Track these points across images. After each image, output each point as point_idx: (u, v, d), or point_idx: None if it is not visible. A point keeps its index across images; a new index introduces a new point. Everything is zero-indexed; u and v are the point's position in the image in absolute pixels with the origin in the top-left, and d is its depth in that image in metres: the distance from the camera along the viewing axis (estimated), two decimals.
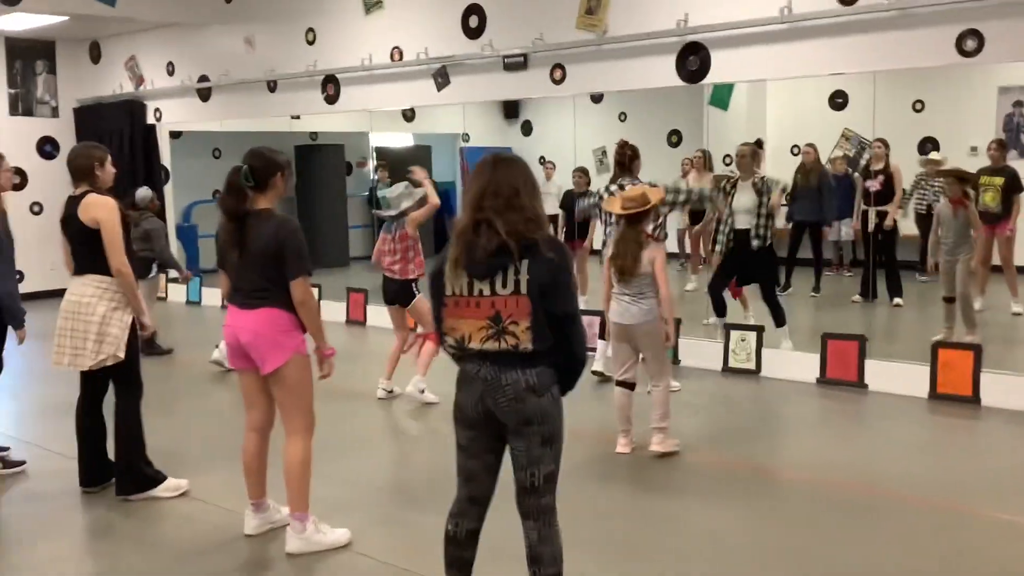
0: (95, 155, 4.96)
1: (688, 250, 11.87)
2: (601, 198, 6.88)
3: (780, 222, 9.83)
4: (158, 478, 5.01)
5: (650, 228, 5.76)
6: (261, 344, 4.16)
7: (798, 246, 10.54)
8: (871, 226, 9.40)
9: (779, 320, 7.87)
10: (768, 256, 7.97)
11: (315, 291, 4.11)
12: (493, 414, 3.17)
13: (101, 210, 4.78)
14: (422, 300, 6.81)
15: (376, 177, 12.70)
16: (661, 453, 5.55)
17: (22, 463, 5.59)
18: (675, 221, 11.53)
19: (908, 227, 9.95)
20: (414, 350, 7.01)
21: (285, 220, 4.22)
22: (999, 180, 8.92)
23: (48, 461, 5.69)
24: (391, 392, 7.14)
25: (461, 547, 3.34)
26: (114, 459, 5.00)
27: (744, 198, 7.88)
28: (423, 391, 6.83)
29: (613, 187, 6.87)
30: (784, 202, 8.02)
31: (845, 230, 11.21)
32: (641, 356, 5.69)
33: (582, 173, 10.07)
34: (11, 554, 4.45)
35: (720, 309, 8.20)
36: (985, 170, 9.07)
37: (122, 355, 4.83)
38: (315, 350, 4.32)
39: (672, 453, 5.59)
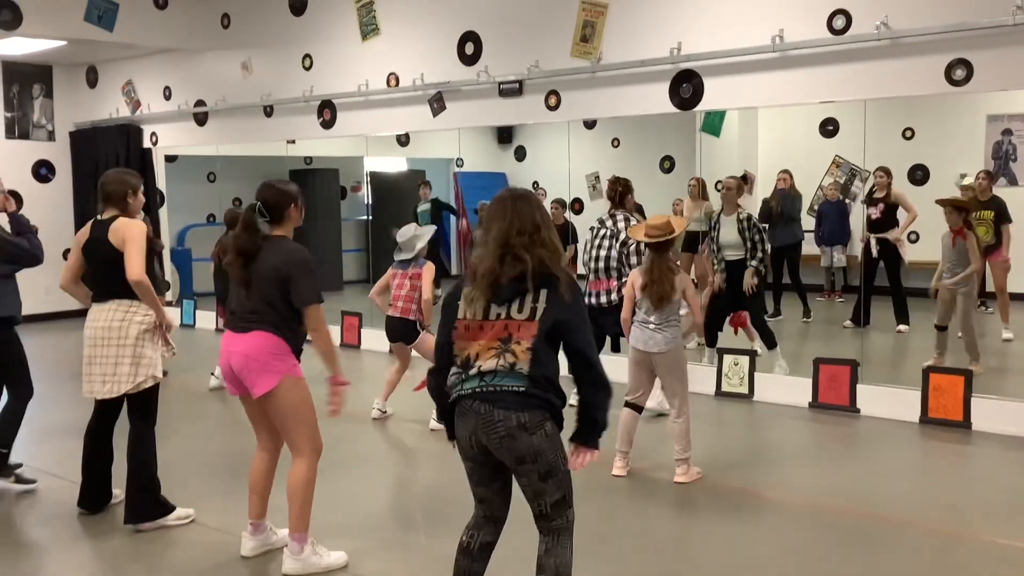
0: (130, 183, 4.96)
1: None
2: (604, 226, 6.98)
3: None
4: (168, 506, 4.97)
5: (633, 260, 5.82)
6: (252, 368, 4.15)
7: (781, 272, 10.62)
8: (874, 252, 9.49)
9: (770, 343, 7.95)
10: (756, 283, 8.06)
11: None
12: (487, 450, 3.23)
13: (131, 229, 4.78)
14: (427, 336, 6.79)
15: (420, 195, 12.94)
16: (685, 483, 5.54)
17: (34, 481, 5.60)
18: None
19: (910, 252, 10.01)
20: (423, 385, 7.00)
21: (296, 249, 4.23)
22: (989, 214, 9.07)
23: (49, 483, 5.69)
24: (384, 412, 7.18)
25: (472, 559, 3.40)
26: (127, 486, 4.92)
27: (728, 232, 8.01)
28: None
29: (608, 219, 6.99)
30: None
31: (837, 256, 11.30)
32: (660, 383, 5.72)
33: (559, 205, 10.25)
34: None
35: (712, 340, 8.27)
36: (975, 204, 9.16)
37: (160, 375, 4.86)
38: (328, 379, 4.30)
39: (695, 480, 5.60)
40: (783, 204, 10.53)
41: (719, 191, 9.18)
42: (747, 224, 7.96)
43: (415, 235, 6.87)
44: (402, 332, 6.89)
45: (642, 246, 6.42)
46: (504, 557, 3.60)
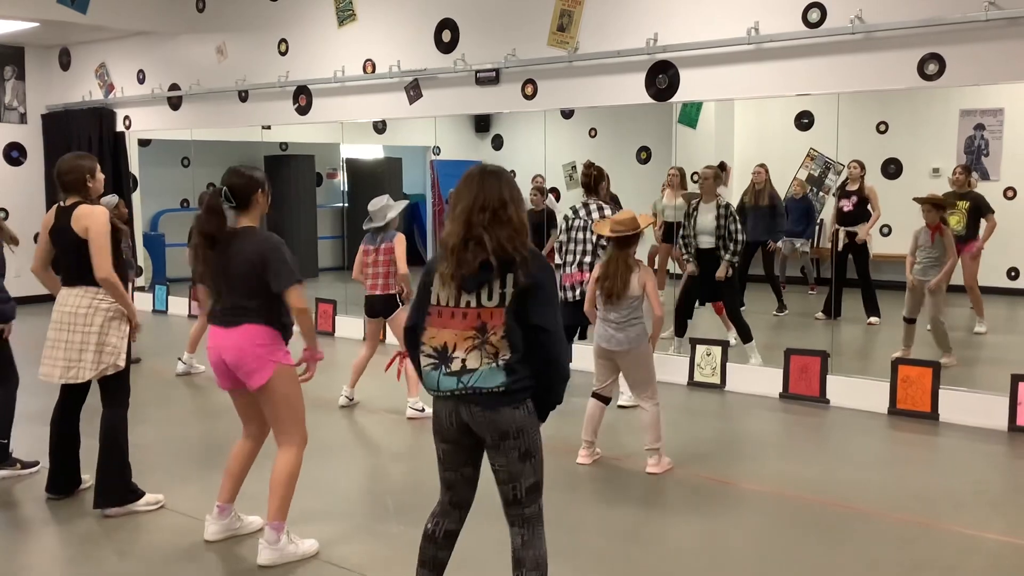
0: (86, 166, 4.91)
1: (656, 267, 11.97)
2: (578, 216, 6.94)
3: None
4: (138, 492, 4.94)
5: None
6: (247, 360, 4.14)
7: (748, 265, 10.67)
8: (840, 245, 9.56)
9: (745, 336, 8.01)
10: (729, 280, 8.15)
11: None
12: (469, 427, 3.21)
13: (90, 219, 4.74)
14: (404, 314, 6.81)
15: None
16: (658, 474, 5.56)
17: (36, 464, 5.58)
18: (648, 238, 11.64)
19: (881, 246, 10.08)
20: (394, 368, 6.93)
21: (267, 237, 4.21)
22: (964, 204, 9.14)
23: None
24: (351, 400, 7.18)
25: (438, 546, 3.41)
26: (98, 471, 4.89)
27: (706, 220, 8.11)
28: (423, 409, 6.76)
29: (580, 208, 6.97)
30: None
31: (800, 246, 11.36)
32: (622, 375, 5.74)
33: (538, 192, 10.25)
34: None
35: (682, 329, 8.33)
36: (950, 195, 9.25)
37: (122, 364, 4.81)
38: (305, 350, 4.32)
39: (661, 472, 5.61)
40: (768, 199, 10.55)
41: (695, 182, 9.24)
42: (724, 212, 8.03)
43: (386, 205, 6.84)
44: (381, 308, 6.89)
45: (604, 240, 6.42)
46: (469, 547, 3.61)
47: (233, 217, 4.19)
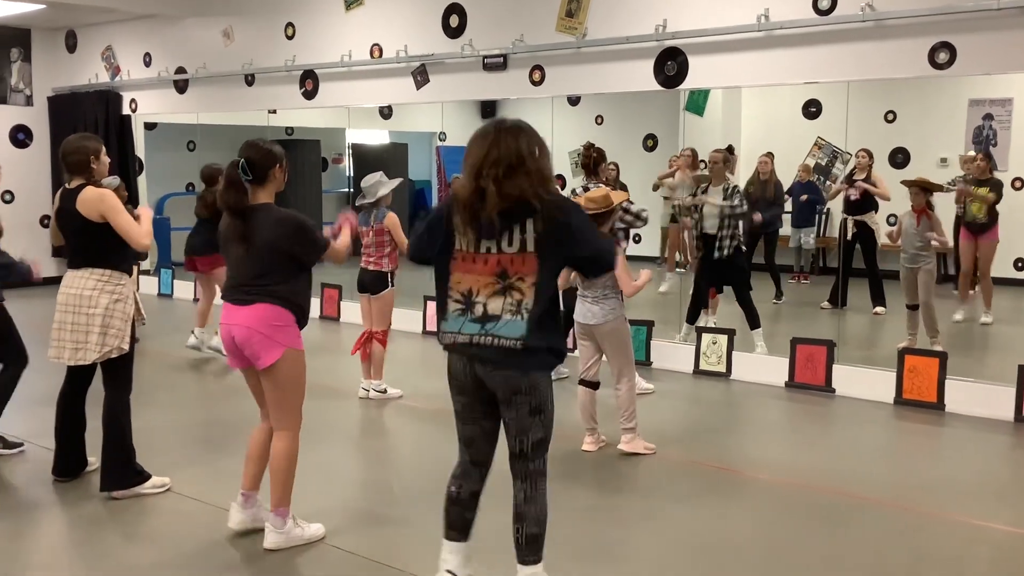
0: (91, 147, 4.88)
1: (667, 252, 11.97)
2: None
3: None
4: (144, 474, 4.94)
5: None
6: (255, 340, 4.09)
7: (755, 252, 10.63)
8: (849, 234, 9.54)
9: (753, 322, 8.00)
10: (739, 259, 8.14)
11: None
12: (483, 381, 3.25)
13: (102, 204, 4.72)
14: (392, 293, 6.87)
15: None
16: (629, 453, 5.62)
17: (21, 445, 5.61)
18: (658, 220, 11.63)
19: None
20: (362, 352, 6.95)
21: (289, 215, 4.17)
22: (985, 190, 9.10)
23: (27, 450, 5.67)
24: (385, 392, 7.05)
25: (463, 507, 3.45)
26: (103, 454, 4.89)
27: (713, 205, 8.08)
28: (385, 391, 6.92)
29: (579, 189, 6.97)
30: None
31: (804, 239, 11.33)
32: (604, 356, 5.74)
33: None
34: None
35: (694, 317, 8.35)
36: (971, 181, 9.24)
37: (126, 347, 4.79)
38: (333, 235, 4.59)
39: (642, 454, 5.64)
40: (773, 190, 10.53)
41: (701, 170, 9.21)
42: (731, 194, 8.02)
43: (379, 181, 6.74)
44: (369, 283, 6.87)
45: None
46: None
47: (250, 191, 4.14)
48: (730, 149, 9.06)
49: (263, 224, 4.10)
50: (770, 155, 10.61)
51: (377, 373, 6.95)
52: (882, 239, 9.71)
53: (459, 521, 3.45)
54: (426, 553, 3.82)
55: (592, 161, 7.12)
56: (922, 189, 7.95)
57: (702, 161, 9.63)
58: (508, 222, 3.17)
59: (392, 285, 6.86)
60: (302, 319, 4.25)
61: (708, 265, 8.20)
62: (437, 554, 3.55)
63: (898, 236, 8.11)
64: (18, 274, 5.45)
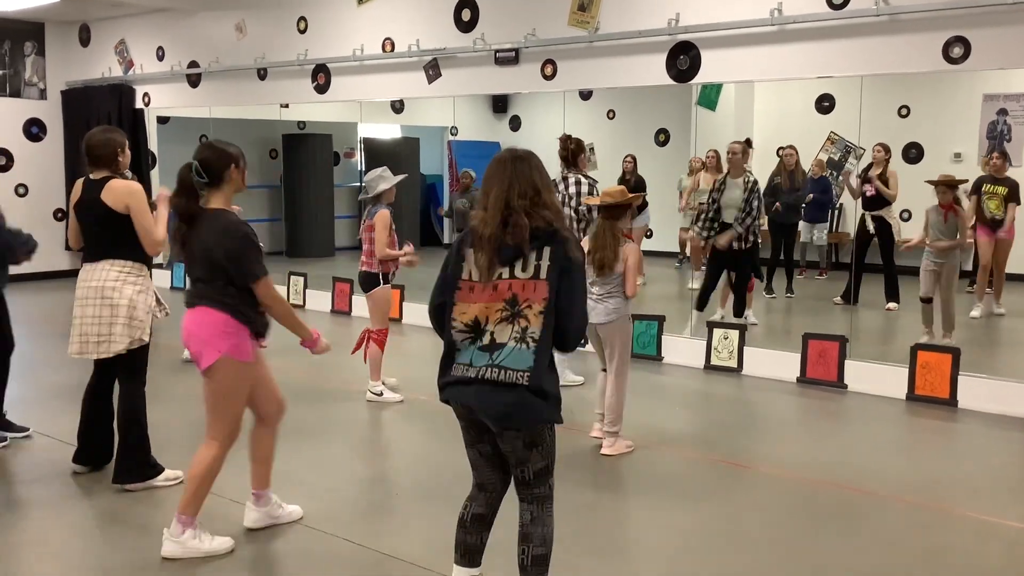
0: (117, 140, 4.90)
1: (688, 250, 11.95)
2: (557, 190, 6.90)
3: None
4: (158, 467, 4.96)
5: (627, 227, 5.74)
6: (193, 343, 4.01)
7: (780, 248, 10.63)
8: (871, 229, 9.54)
9: (738, 311, 8.19)
10: (753, 251, 8.27)
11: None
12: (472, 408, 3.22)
13: (131, 198, 4.75)
14: (383, 290, 6.65)
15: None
16: (611, 456, 5.53)
17: (27, 429, 5.67)
18: (677, 219, 11.62)
19: (906, 231, 10.03)
20: (361, 350, 6.73)
21: (232, 226, 3.98)
22: (1002, 189, 9.22)
23: (40, 441, 5.71)
24: (382, 392, 6.90)
25: (466, 531, 3.41)
26: (117, 447, 4.90)
27: (733, 195, 8.14)
28: (381, 393, 6.73)
29: (560, 182, 6.93)
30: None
31: (817, 234, 11.29)
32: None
33: None
34: (10, 534, 4.45)
35: (703, 304, 8.42)
36: (987, 179, 9.28)
37: (147, 339, 4.82)
38: (301, 343, 4.23)
39: (624, 454, 5.58)
40: (801, 179, 10.52)
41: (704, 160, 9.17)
42: (751, 187, 8.05)
43: (380, 176, 6.54)
44: (362, 282, 6.73)
45: (594, 213, 6.39)
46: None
47: (204, 194, 4.01)
48: (748, 142, 9.06)
49: (207, 230, 3.96)
50: (793, 147, 10.59)
51: (373, 374, 6.74)
52: (909, 235, 9.73)
53: (462, 544, 3.41)
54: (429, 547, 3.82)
55: (570, 153, 7.07)
56: (949, 186, 8.03)
57: (709, 150, 9.63)
58: (525, 248, 3.14)
59: (386, 283, 6.64)
60: (254, 329, 4.06)
61: (721, 252, 8.24)
62: (440, 548, 3.53)
63: (926, 228, 8.10)
64: (23, 247, 5.44)
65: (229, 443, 4.14)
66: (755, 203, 8.10)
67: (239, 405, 4.12)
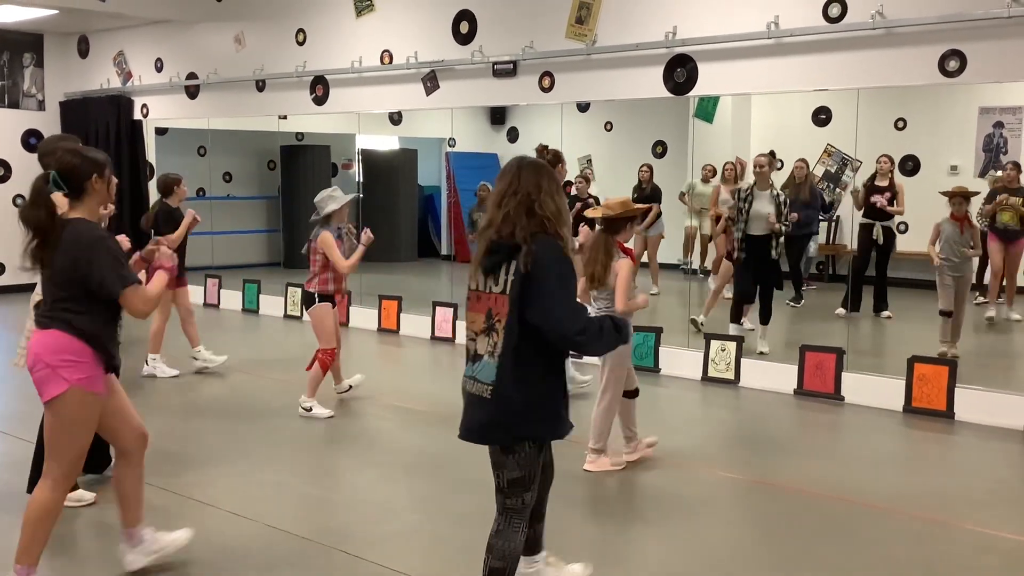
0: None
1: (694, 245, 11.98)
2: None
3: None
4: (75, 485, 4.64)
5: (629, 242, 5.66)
6: (38, 368, 3.59)
7: (795, 257, 10.61)
8: (881, 239, 9.56)
9: (765, 318, 8.25)
10: (778, 262, 8.40)
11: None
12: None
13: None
14: (319, 308, 6.58)
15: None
16: (594, 472, 5.43)
17: None
18: (679, 232, 11.60)
19: (899, 243, 10.06)
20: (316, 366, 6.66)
21: (87, 231, 3.59)
22: (1017, 200, 9.30)
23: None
24: (349, 389, 7.07)
25: (487, 551, 3.37)
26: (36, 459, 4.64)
27: (762, 207, 8.15)
28: (310, 409, 6.56)
29: None
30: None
31: (813, 246, 11.30)
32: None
33: (583, 179, 10.24)
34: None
35: (738, 315, 8.48)
36: (1001, 190, 9.34)
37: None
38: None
39: (611, 471, 5.49)
40: (808, 192, 10.53)
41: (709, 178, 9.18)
42: (782, 200, 8.25)
43: (329, 196, 6.49)
44: (303, 301, 6.83)
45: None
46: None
47: (65, 206, 3.63)
48: (772, 154, 9.12)
49: (65, 243, 3.56)
50: (804, 160, 10.60)
51: (309, 390, 6.57)
52: (904, 247, 9.78)
53: (485, 567, 3.36)
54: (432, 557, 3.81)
55: (547, 164, 7.07)
56: (965, 199, 8.05)
57: (706, 166, 9.64)
58: (498, 259, 3.18)
59: (324, 302, 6.57)
60: (106, 359, 3.68)
61: (752, 266, 8.31)
62: (443, 559, 3.54)
63: (934, 242, 8.09)
64: None
65: (67, 483, 3.72)
66: (786, 212, 8.26)
67: (83, 440, 3.67)
